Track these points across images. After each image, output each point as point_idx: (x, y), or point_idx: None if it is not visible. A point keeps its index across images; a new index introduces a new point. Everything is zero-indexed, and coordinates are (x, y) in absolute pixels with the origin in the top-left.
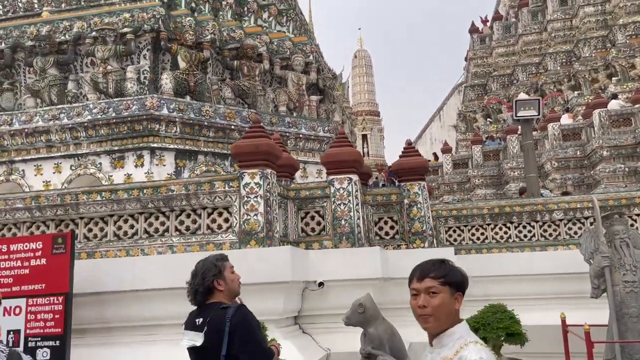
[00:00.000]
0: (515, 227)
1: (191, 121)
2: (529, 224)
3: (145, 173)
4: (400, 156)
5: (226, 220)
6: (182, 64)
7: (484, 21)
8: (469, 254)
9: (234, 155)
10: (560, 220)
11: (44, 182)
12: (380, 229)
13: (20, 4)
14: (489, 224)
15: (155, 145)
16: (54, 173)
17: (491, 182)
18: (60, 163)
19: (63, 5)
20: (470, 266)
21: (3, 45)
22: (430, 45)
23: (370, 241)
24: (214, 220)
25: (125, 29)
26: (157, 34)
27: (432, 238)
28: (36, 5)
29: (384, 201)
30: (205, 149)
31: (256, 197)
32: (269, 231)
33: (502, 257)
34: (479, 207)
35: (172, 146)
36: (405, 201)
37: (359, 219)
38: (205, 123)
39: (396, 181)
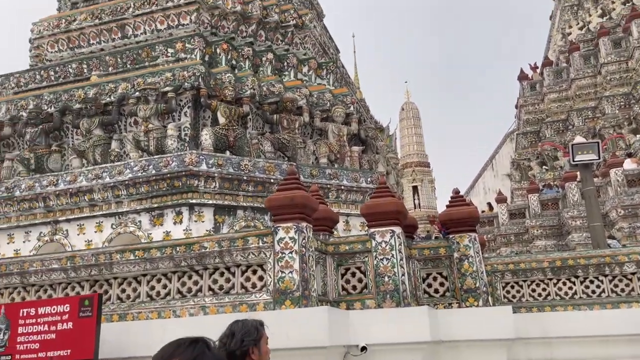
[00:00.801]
0: (581, 282)
1: (230, 176)
2: (596, 278)
3: (184, 230)
4: (448, 206)
5: (260, 278)
6: (221, 120)
7: (533, 68)
8: (529, 312)
9: (267, 209)
10: (633, 273)
11: (86, 241)
12: (429, 286)
13: (70, 70)
14: (550, 279)
15: (194, 201)
16: (95, 232)
17: (551, 232)
18: (102, 222)
19: (110, 69)
20: (530, 326)
21: (53, 108)
22: (479, 94)
23: (418, 300)
24: (248, 279)
25: (167, 88)
26: (197, 91)
27: (486, 295)
28: (85, 70)
29: (432, 255)
30: (245, 204)
31: (291, 252)
32: (305, 290)
33: (568, 316)
34: (539, 260)
35: (211, 202)
36: (455, 255)
37: (403, 275)
38: (245, 177)
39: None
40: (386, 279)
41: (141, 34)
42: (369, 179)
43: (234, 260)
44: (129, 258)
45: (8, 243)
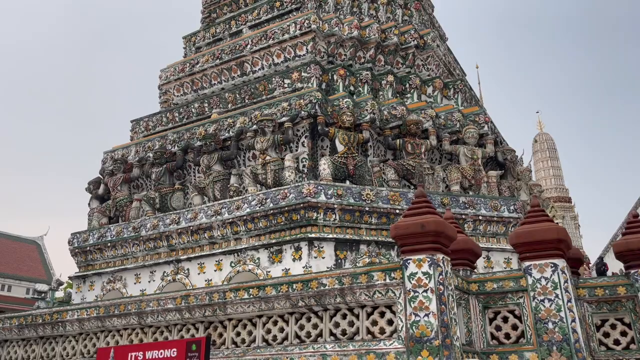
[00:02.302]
0: None
1: (351, 207)
2: None
3: (304, 267)
4: (625, 233)
5: (389, 322)
6: (340, 147)
7: None
8: None
9: (394, 238)
10: None
11: (206, 280)
12: (606, 335)
13: (193, 110)
14: None
15: (313, 235)
16: (215, 271)
17: None
18: (221, 260)
19: (230, 105)
20: None
21: (176, 147)
22: (617, 118)
23: (593, 353)
24: (374, 322)
25: (283, 118)
26: (314, 119)
27: None
28: (207, 109)
29: (608, 296)
30: (368, 238)
31: (425, 291)
32: (445, 338)
33: None
34: None
35: (331, 236)
36: None
37: (574, 321)
38: (367, 208)
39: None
40: (550, 325)
41: (259, 69)
42: (511, 207)
43: (358, 300)
44: (243, 297)
45: (135, 283)
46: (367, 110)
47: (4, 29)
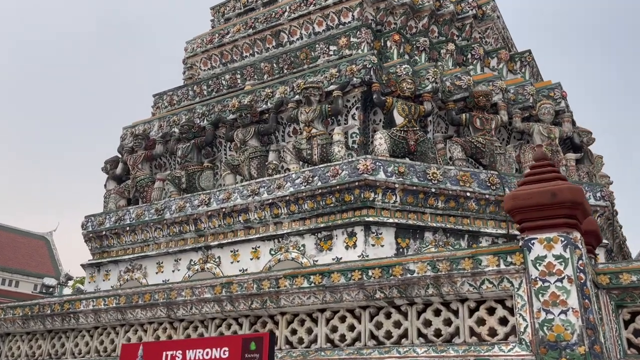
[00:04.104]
0: None
1: (414, 187)
2: None
3: (359, 256)
4: None
5: (503, 321)
6: (398, 120)
7: None
8: None
9: (509, 212)
10: None
11: (240, 270)
12: None
13: (223, 82)
14: None
15: (370, 219)
16: (251, 259)
17: None
18: (259, 247)
19: (265, 76)
20: None
21: (205, 121)
22: None
23: None
24: (481, 321)
25: (332, 86)
26: (367, 87)
27: None
28: (239, 81)
29: None
30: (434, 224)
31: (560, 280)
32: (594, 344)
33: None
34: None
35: (390, 220)
36: None
37: None
38: (432, 190)
39: None
40: None
41: (297, 39)
42: (598, 195)
43: (458, 292)
44: (301, 286)
45: (157, 273)
46: (428, 78)
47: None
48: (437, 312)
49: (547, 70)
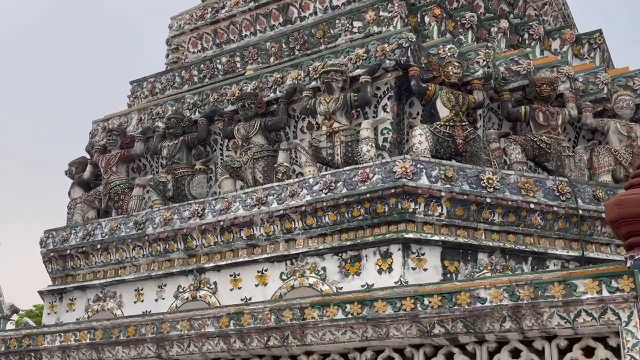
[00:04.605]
0: None
1: (465, 196)
2: None
3: (396, 282)
4: None
5: None
6: (443, 112)
7: None
8: None
9: (613, 223)
10: None
11: (242, 299)
12: None
13: (219, 66)
14: None
15: (410, 235)
16: (256, 286)
17: None
18: (266, 270)
19: (272, 59)
20: None
21: (197, 114)
22: None
23: None
24: None
25: (358, 70)
26: (403, 71)
27: None
28: (239, 65)
29: None
30: (489, 243)
31: None
32: None
33: None
34: None
35: (436, 237)
36: None
37: None
38: (488, 200)
39: None
40: None
41: (310, 14)
42: None
43: (544, 327)
44: (334, 317)
45: (135, 302)
46: (478, 62)
47: None
48: (516, 353)
49: (619, 57)
